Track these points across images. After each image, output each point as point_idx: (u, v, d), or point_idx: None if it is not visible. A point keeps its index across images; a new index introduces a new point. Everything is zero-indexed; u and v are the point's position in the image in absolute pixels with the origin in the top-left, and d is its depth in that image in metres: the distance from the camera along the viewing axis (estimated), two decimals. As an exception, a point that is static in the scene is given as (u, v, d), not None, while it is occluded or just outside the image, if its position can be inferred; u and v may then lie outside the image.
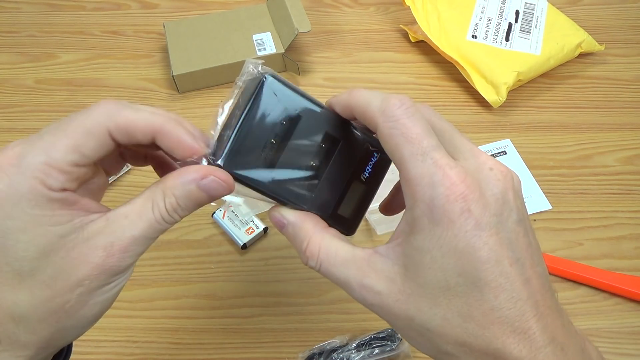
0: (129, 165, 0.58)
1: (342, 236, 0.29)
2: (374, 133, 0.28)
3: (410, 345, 0.28)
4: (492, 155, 0.60)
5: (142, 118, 0.26)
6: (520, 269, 0.25)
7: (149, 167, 0.61)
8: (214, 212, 0.54)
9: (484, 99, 0.63)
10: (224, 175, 0.27)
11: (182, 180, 0.27)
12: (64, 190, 0.25)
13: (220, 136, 0.29)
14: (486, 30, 0.67)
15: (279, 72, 0.68)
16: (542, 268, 0.26)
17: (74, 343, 0.31)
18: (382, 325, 0.48)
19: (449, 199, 0.24)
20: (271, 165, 0.29)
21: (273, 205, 0.31)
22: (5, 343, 0.25)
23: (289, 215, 0.30)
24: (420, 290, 0.25)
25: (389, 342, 0.45)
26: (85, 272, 0.25)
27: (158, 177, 0.31)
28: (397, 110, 0.25)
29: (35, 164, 0.24)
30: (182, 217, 0.28)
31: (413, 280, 0.25)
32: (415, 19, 0.68)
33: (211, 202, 0.28)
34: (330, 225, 0.31)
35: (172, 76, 0.63)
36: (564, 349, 0.24)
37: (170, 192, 0.27)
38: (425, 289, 0.25)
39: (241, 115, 0.28)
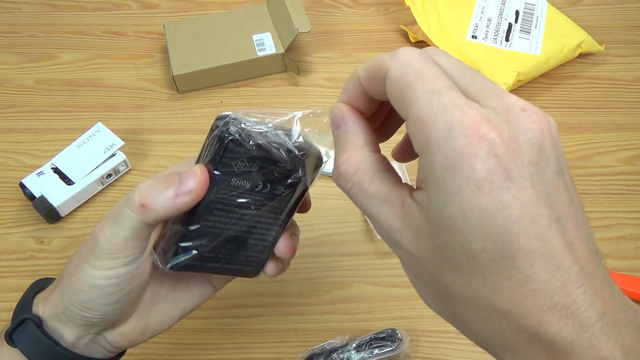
0: (128, 164, 0.59)
1: (387, 165, 0.25)
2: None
3: (428, 305, 0.25)
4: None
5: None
6: (561, 230, 0.20)
7: (149, 168, 0.61)
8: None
9: (484, 99, 0.63)
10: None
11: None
12: None
13: None
14: (486, 31, 0.67)
15: (278, 72, 0.68)
16: (587, 230, 0.22)
17: None
18: (382, 325, 0.48)
19: (469, 141, 0.19)
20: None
21: None
22: None
23: (350, 118, 0.26)
24: (440, 253, 0.22)
25: (389, 343, 0.45)
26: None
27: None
28: (409, 52, 0.22)
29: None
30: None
31: (433, 240, 0.22)
32: (415, 19, 0.68)
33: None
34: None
35: (172, 76, 0.63)
36: (616, 324, 0.20)
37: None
38: (446, 252, 0.21)
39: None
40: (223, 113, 0.29)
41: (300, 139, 0.30)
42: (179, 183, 0.29)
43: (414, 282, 0.25)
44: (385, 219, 0.24)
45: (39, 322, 0.31)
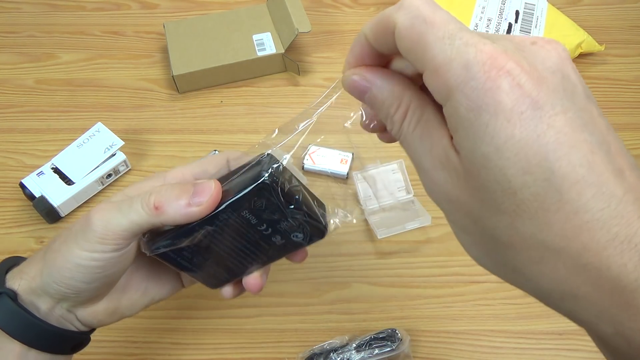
0: (128, 164, 0.58)
1: (432, 104, 0.23)
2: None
3: (476, 260, 0.23)
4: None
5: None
6: (605, 156, 0.19)
7: (149, 168, 0.61)
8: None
9: (484, 99, 0.63)
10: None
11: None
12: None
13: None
14: (486, 31, 0.67)
15: (278, 72, 0.68)
16: (631, 159, 0.20)
17: None
18: (382, 325, 0.48)
19: (489, 75, 0.19)
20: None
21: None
22: None
23: (375, 75, 0.24)
24: (480, 195, 0.20)
25: (389, 343, 0.45)
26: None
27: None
28: (415, 0, 0.21)
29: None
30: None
31: (470, 183, 0.20)
32: (415, 19, 0.68)
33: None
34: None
35: (172, 76, 0.63)
36: None
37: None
38: (485, 193, 0.20)
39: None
40: (272, 153, 0.31)
41: (321, 210, 0.32)
42: (193, 194, 0.30)
43: (458, 234, 0.23)
44: (429, 163, 0.22)
45: (13, 296, 0.32)
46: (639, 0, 0.76)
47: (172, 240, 0.32)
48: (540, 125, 0.18)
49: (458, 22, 0.21)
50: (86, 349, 0.48)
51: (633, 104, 0.65)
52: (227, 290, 0.36)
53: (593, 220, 0.18)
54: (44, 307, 0.33)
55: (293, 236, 0.33)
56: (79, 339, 0.36)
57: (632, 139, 0.62)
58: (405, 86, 0.24)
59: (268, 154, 0.31)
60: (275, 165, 0.30)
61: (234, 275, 0.36)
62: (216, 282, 0.36)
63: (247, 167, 0.31)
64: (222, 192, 0.31)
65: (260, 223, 0.31)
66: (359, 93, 0.25)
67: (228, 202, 0.30)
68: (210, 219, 0.31)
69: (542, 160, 0.18)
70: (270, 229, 0.32)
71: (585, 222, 0.18)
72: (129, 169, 0.59)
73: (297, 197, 0.30)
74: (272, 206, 0.30)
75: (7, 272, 0.34)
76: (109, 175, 0.57)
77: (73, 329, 0.35)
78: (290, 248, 0.34)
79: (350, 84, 0.25)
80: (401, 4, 0.21)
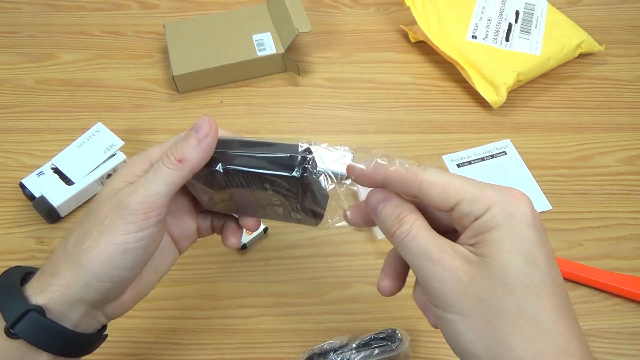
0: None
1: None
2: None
3: (466, 341, 0.28)
4: (492, 155, 0.60)
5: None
6: (558, 288, 0.28)
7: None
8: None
9: (484, 99, 0.63)
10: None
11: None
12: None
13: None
14: (486, 31, 0.67)
15: (278, 72, 0.68)
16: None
17: None
18: (382, 325, 0.48)
19: (515, 197, 0.28)
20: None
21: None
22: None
23: (393, 195, 0.32)
24: (496, 273, 0.27)
25: (389, 343, 0.45)
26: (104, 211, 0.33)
27: None
28: (432, 170, 0.30)
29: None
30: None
31: (490, 264, 0.27)
32: (415, 19, 0.68)
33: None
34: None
35: (172, 76, 0.63)
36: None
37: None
38: (502, 273, 0.26)
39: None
40: (308, 147, 0.33)
41: (322, 204, 0.36)
42: (196, 132, 0.34)
43: (454, 321, 0.28)
44: (438, 252, 0.29)
45: (42, 312, 0.31)
46: (639, 0, 0.76)
47: (202, 183, 0.36)
48: (541, 238, 0.28)
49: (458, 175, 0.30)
50: (86, 349, 0.48)
51: (633, 104, 0.65)
52: (233, 241, 0.40)
53: (561, 305, 0.27)
54: (75, 316, 0.33)
55: (292, 214, 0.36)
56: (101, 338, 0.36)
57: (632, 139, 0.62)
58: (414, 206, 0.32)
59: (307, 148, 0.33)
60: (309, 161, 0.33)
61: (231, 211, 0.39)
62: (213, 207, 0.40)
63: (284, 149, 0.33)
64: (253, 157, 0.33)
65: (274, 195, 0.34)
66: (374, 208, 0.32)
67: (257, 171, 0.33)
68: (237, 176, 0.34)
69: (541, 262, 0.27)
70: (278, 202, 0.35)
71: (556, 306, 0.26)
72: (129, 169, 0.59)
73: (313, 193, 0.33)
74: (290, 192, 0.33)
75: (21, 283, 0.33)
76: (109, 176, 0.57)
77: (97, 325, 0.35)
78: (285, 220, 0.37)
79: (371, 201, 0.32)
80: (425, 172, 0.30)
